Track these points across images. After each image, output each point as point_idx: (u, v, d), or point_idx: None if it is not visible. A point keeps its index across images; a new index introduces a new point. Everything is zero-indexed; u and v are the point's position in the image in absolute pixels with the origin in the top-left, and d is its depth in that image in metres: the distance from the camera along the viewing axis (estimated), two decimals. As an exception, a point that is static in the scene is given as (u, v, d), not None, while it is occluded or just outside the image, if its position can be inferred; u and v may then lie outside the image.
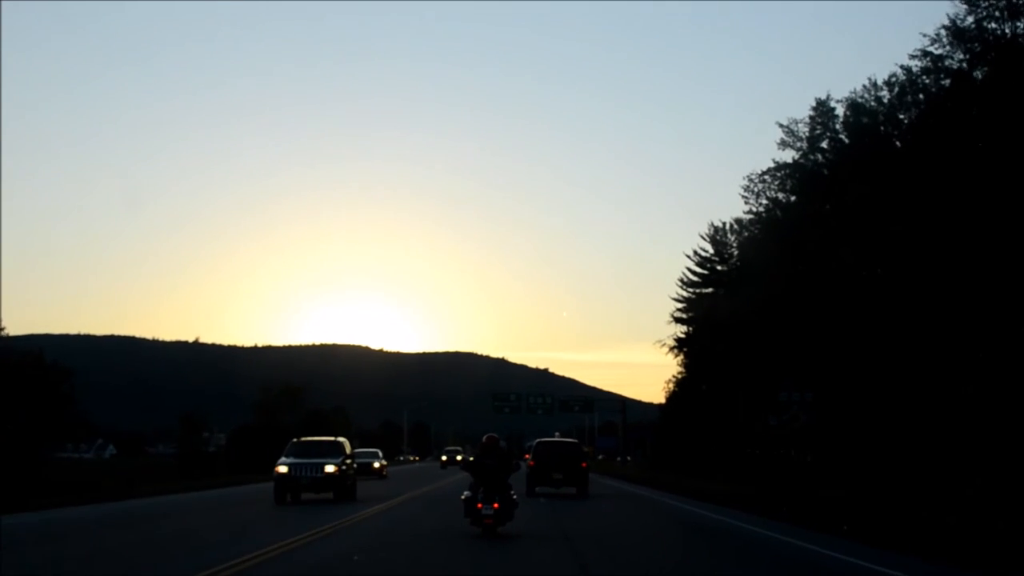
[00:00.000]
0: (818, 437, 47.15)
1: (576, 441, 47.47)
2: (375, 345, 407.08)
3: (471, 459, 21.72)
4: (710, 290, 76.53)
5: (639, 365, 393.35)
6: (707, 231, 76.18)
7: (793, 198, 57.10)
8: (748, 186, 54.12)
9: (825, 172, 53.46)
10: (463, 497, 20.93)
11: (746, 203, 54.79)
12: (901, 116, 48.29)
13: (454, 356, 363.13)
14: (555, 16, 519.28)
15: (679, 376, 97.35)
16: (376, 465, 65.69)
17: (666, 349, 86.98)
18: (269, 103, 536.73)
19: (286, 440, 39.99)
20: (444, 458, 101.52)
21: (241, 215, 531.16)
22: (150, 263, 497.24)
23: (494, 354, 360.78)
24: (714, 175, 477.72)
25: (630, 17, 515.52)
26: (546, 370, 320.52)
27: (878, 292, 43.73)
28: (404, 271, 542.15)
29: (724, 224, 75.89)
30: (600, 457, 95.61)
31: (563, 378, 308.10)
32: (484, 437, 21.63)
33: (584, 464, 39.96)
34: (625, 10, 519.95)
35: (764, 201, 54.56)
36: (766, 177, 53.63)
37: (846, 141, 50.55)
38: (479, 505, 20.20)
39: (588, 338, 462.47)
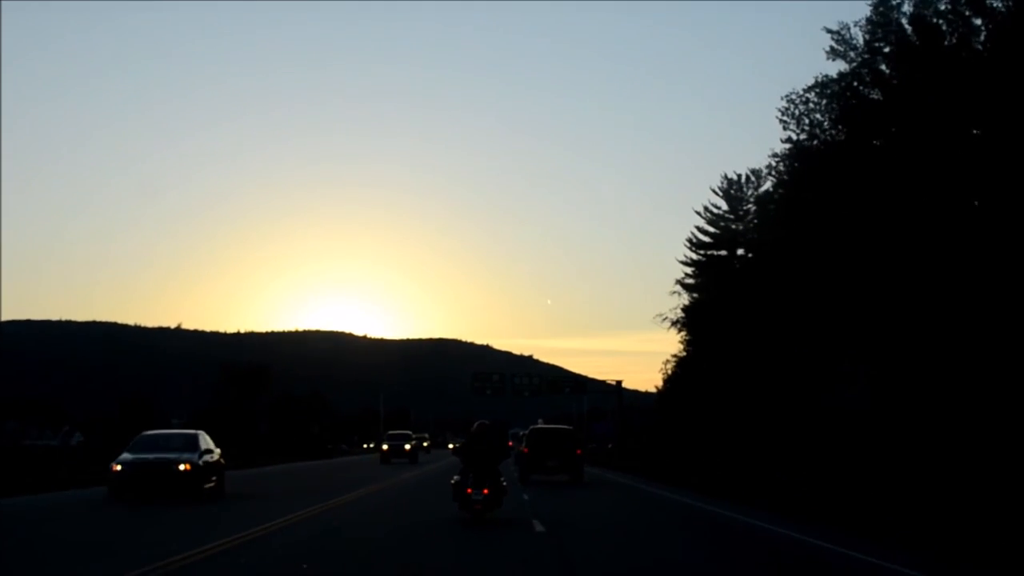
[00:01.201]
0: (883, 423, 35.19)
1: (571, 428, 46.12)
2: (358, 332, 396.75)
3: (460, 445, 21.36)
4: (723, 252, 64.52)
5: (629, 353, 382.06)
6: (719, 184, 64.13)
7: (836, 130, 44.97)
8: (788, 108, 42.02)
9: (884, 87, 41.49)
10: (452, 482, 20.43)
11: (784, 128, 42.68)
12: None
13: (438, 343, 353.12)
14: None
15: (681, 355, 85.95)
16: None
17: (668, 324, 75.81)
18: (250, 94, 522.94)
19: (248, 426, 31.44)
20: (385, 447, 69.51)
21: (225, 202, 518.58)
22: (131, 250, 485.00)
23: (479, 341, 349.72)
24: (706, 163, 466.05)
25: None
26: (531, 356, 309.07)
27: (960, 238, 32.33)
28: (389, 258, 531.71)
29: (739, 176, 64.02)
30: (592, 445, 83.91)
31: (549, 365, 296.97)
32: (475, 424, 21.06)
33: (579, 451, 39.72)
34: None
35: (806, 127, 42.38)
36: (811, 96, 41.53)
37: (913, 42, 38.53)
38: (468, 490, 19.70)
39: (575, 326, 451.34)
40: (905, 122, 37.25)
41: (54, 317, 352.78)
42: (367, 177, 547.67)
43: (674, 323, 77.19)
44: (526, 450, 39.80)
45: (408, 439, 68.94)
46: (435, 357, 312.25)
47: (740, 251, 63.87)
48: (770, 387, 49.19)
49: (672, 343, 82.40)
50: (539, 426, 43.41)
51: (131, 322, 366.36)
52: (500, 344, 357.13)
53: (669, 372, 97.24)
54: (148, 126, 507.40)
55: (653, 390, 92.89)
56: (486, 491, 19.82)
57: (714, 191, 64.71)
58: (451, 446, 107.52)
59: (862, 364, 34.41)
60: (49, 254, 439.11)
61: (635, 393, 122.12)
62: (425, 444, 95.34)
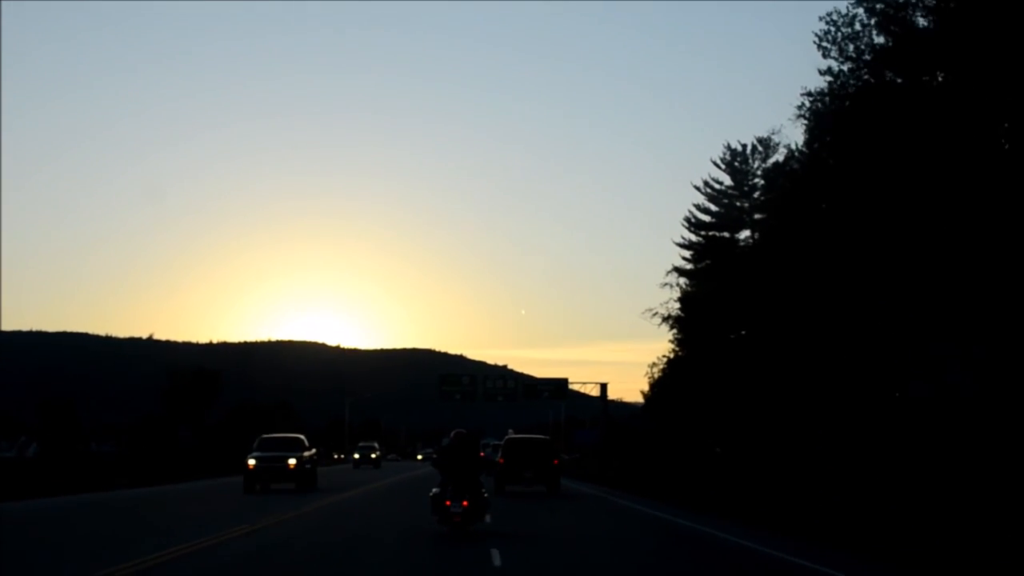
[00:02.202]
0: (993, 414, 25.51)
1: (548, 438, 44.65)
2: (331, 342, 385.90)
3: (437, 456, 20.22)
4: (726, 234, 54.71)
5: (610, 363, 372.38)
6: (722, 155, 54.45)
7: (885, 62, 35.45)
8: (828, 32, 32.34)
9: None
10: (431, 494, 19.63)
11: (825, 56, 32.86)
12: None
13: (411, 353, 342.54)
14: None
15: (672, 355, 75.99)
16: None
17: (658, 320, 66.32)
18: (225, 107, 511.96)
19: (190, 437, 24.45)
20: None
21: (199, 212, 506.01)
22: (105, 260, 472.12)
23: (452, 351, 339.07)
24: (690, 158, 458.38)
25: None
26: (505, 366, 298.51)
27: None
28: (363, 269, 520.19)
29: (745, 147, 54.38)
30: (574, 456, 73.04)
31: (525, 375, 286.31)
32: (452, 433, 20.03)
33: (556, 461, 38.66)
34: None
35: (850, 54, 32.79)
36: (859, 13, 31.93)
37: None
38: (447, 503, 18.92)
39: (551, 336, 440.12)
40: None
41: (24, 328, 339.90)
42: (341, 188, 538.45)
43: (666, 319, 67.63)
44: (501, 460, 38.38)
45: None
46: (408, 367, 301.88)
47: (746, 232, 54.15)
48: (796, 382, 39.56)
49: (658, 350, 73.20)
50: (514, 436, 41.97)
51: (102, 332, 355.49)
52: (474, 354, 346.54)
53: (656, 376, 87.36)
54: (122, 139, 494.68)
55: (636, 400, 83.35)
56: (465, 503, 18.87)
57: (716, 164, 55.30)
58: (419, 457, 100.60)
59: (967, 344, 24.57)
60: (21, 265, 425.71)
61: (616, 404, 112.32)
62: (373, 456, 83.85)
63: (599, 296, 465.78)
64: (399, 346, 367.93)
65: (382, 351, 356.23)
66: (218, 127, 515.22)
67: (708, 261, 55.68)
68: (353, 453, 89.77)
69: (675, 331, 72.45)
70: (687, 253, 57.19)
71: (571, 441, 79.78)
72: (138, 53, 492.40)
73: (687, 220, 56.44)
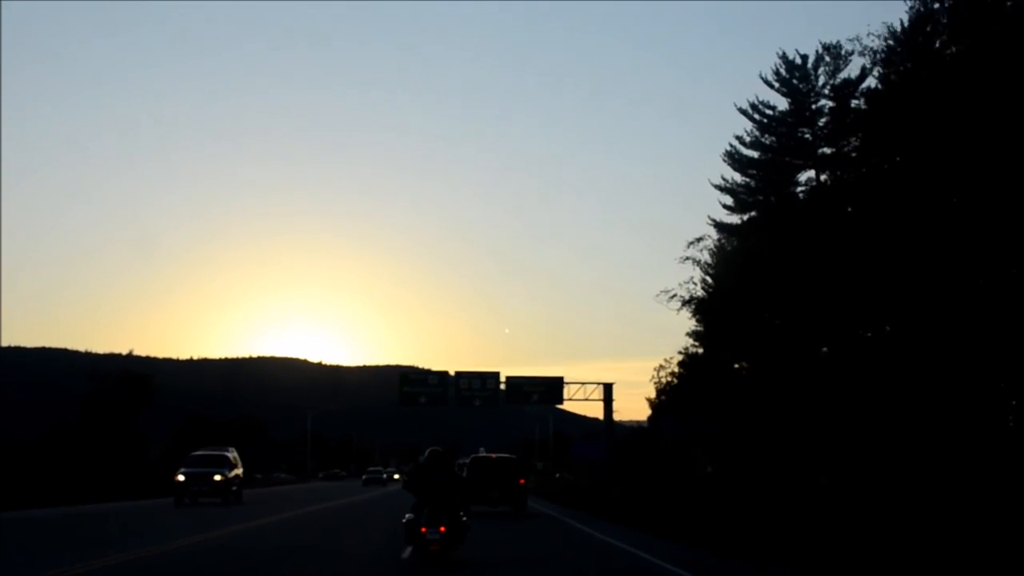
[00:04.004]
0: None
1: (514, 456, 41.11)
2: (313, 358, 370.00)
3: (407, 477, 18.14)
4: (781, 176, 38.72)
5: (604, 382, 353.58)
6: (774, 70, 38.52)
7: None
8: None
9: None
10: (404, 520, 17.21)
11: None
12: None
13: (395, 369, 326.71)
14: None
15: (690, 349, 60.62)
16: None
17: (677, 303, 51.38)
18: (208, 122, 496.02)
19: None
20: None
21: (181, 227, 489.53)
22: (83, 274, 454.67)
23: (437, 368, 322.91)
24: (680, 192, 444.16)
25: None
26: (497, 372, 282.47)
27: None
28: (349, 287, 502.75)
29: (806, 59, 38.61)
30: (563, 475, 55.86)
31: (510, 376, 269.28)
32: (427, 451, 17.91)
33: (522, 481, 36.61)
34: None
35: None
36: None
37: None
38: (423, 529, 16.53)
39: (540, 355, 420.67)
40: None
41: (3, 344, 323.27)
42: (330, 206, 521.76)
43: (686, 301, 51.93)
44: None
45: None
46: (389, 384, 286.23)
47: (808, 173, 38.37)
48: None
49: (656, 366, 57.70)
50: (481, 455, 40.20)
51: (82, 348, 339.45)
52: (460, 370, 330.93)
53: (664, 381, 70.43)
54: (105, 153, 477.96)
55: (634, 419, 67.68)
56: (443, 528, 16.60)
57: (766, 82, 39.49)
58: (363, 477, 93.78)
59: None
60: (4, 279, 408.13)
61: (620, 426, 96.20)
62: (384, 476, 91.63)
63: (594, 315, 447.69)
64: (383, 363, 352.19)
65: (364, 367, 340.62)
66: (204, 142, 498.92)
67: (754, 212, 39.71)
68: (362, 476, 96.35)
69: (696, 318, 56.72)
70: (728, 199, 41.21)
71: (565, 457, 62.47)
72: (124, 66, 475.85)
73: (730, 155, 40.54)
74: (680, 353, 60.48)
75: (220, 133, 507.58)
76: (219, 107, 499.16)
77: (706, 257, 55.82)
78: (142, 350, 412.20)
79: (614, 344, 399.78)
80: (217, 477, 40.09)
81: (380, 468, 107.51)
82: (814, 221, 38.68)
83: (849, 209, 38.55)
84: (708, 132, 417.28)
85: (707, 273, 55.79)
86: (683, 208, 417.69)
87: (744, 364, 54.79)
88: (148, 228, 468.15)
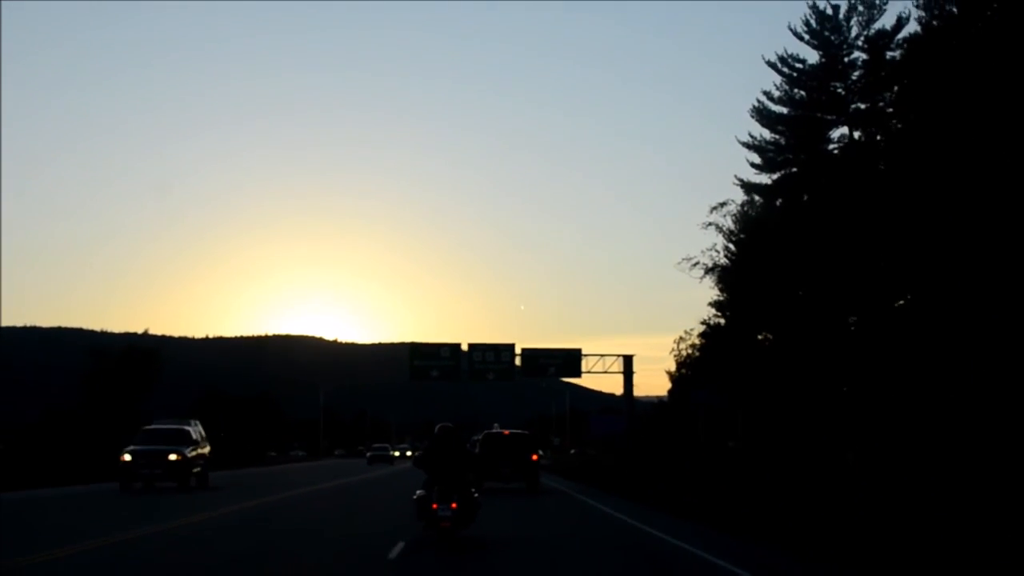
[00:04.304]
0: None
1: (527, 432, 40.24)
2: (329, 336, 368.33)
3: (419, 454, 17.66)
4: (811, 133, 36.17)
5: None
6: (803, 21, 35.99)
7: None
8: None
9: None
10: (415, 497, 16.77)
11: None
12: None
13: (409, 347, 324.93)
14: None
15: (712, 320, 58.48)
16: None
17: (700, 271, 49.12)
18: (227, 105, 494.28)
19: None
20: (369, 455, 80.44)
21: (198, 210, 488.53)
22: (100, 254, 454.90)
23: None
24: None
25: None
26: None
27: None
28: (364, 264, 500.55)
29: (838, 9, 36.05)
30: (579, 450, 53.51)
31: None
32: (437, 427, 17.46)
33: (535, 457, 36.39)
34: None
35: None
36: None
37: None
38: (434, 506, 16.17)
39: (556, 332, 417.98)
40: None
41: (19, 324, 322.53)
42: (344, 185, 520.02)
43: (709, 269, 49.61)
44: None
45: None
46: (405, 361, 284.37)
47: (841, 130, 35.84)
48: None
49: (676, 338, 55.56)
50: (493, 431, 38.89)
51: (98, 328, 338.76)
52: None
53: (685, 354, 68.39)
54: (126, 135, 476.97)
55: (651, 394, 65.35)
56: (455, 505, 16.21)
57: (796, 34, 36.90)
58: (367, 455, 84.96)
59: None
60: (17, 260, 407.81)
61: (619, 401, 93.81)
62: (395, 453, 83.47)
63: (613, 289, 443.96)
64: (399, 340, 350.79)
65: (380, 345, 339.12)
66: (222, 125, 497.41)
67: (784, 172, 37.20)
68: (366, 452, 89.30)
69: (719, 287, 54.24)
70: (756, 158, 38.64)
71: (584, 433, 60.02)
72: (142, 52, 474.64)
73: (758, 111, 37.97)
74: (703, 324, 58.08)
75: (238, 114, 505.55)
76: (231, 93, 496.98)
77: (729, 223, 53.23)
78: (157, 329, 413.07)
79: (631, 319, 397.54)
80: (172, 456, 33.01)
81: (387, 445, 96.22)
82: (846, 181, 36.15)
83: (883, 168, 36.03)
84: (734, 90, 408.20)
85: (730, 240, 53.27)
86: (705, 174, 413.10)
87: (768, 335, 52.39)
88: (164, 209, 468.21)
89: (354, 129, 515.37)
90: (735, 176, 39.68)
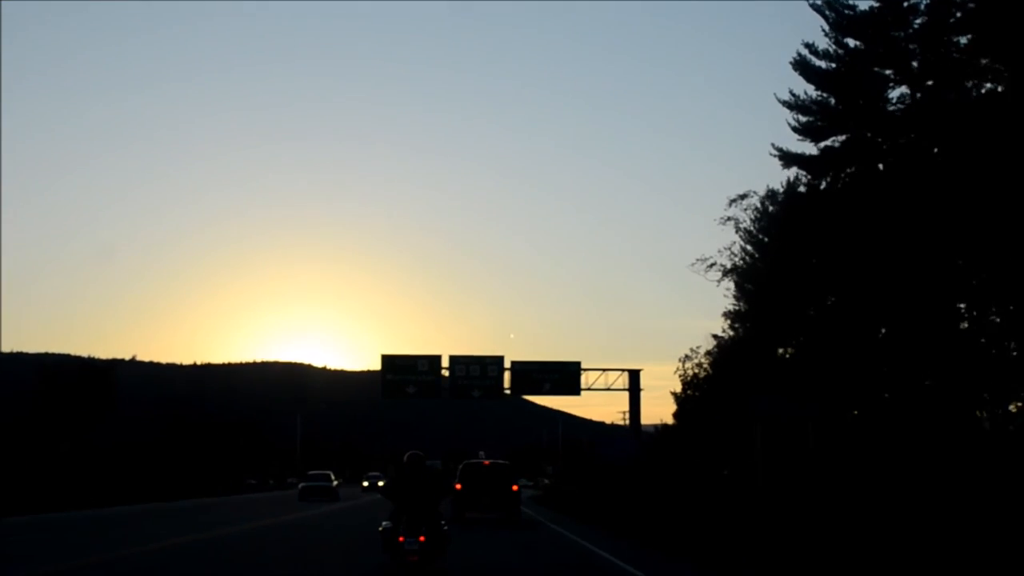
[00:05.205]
0: None
1: (507, 463, 39.99)
2: (318, 363, 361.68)
3: (386, 483, 17.29)
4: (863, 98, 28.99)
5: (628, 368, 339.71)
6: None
7: None
8: None
9: None
10: (380, 529, 16.42)
11: None
12: None
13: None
14: None
15: (728, 333, 52.36)
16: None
17: (717, 272, 43.08)
18: (217, 132, 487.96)
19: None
20: (366, 483, 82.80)
21: (185, 234, 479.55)
22: (86, 280, 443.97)
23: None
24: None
25: None
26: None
27: None
28: (355, 293, 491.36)
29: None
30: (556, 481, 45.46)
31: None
32: (405, 455, 16.69)
33: (515, 488, 36.10)
34: None
35: None
36: None
37: None
38: (400, 539, 15.55)
39: (561, 353, 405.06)
40: None
41: (5, 349, 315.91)
42: (338, 214, 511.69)
43: (728, 271, 43.13)
44: (459, 487, 35.55)
45: None
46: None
47: (899, 90, 28.92)
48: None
49: (682, 356, 48.18)
50: (473, 461, 38.81)
51: (84, 354, 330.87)
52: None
53: (691, 373, 60.51)
54: (119, 161, 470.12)
55: (651, 423, 58.02)
56: (423, 538, 15.57)
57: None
58: (364, 484, 78.83)
59: None
60: (6, 285, 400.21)
61: (619, 429, 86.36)
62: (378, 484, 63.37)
63: (611, 316, 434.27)
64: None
65: (369, 372, 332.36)
66: (209, 155, 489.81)
67: (830, 142, 30.18)
68: (363, 481, 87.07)
69: (734, 295, 47.72)
70: (800, 118, 31.49)
71: (598, 458, 52.30)
72: (130, 75, 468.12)
73: (800, 63, 31.02)
74: (715, 337, 51.35)
75: (231, 145, 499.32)
76: (225, 121, 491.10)
77: (748, 222, 46.31)
78: (145, 356, 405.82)
79: (629, 349, 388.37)
80: None
81: (328, 472, 63.28)
82: (905, 149, 29.00)
83: (953, 134, 28.95)
84: (761, 67, 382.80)
85: (748, 242, 46.39)
86: (717, 173, 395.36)
87: (796, 347, 45.27)
88: (156, 237, 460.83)
89: (337, 159, 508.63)
90: (772, 146, 32.67)
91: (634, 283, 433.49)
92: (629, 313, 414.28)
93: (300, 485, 57.76)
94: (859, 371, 32.01)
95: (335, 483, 57.74)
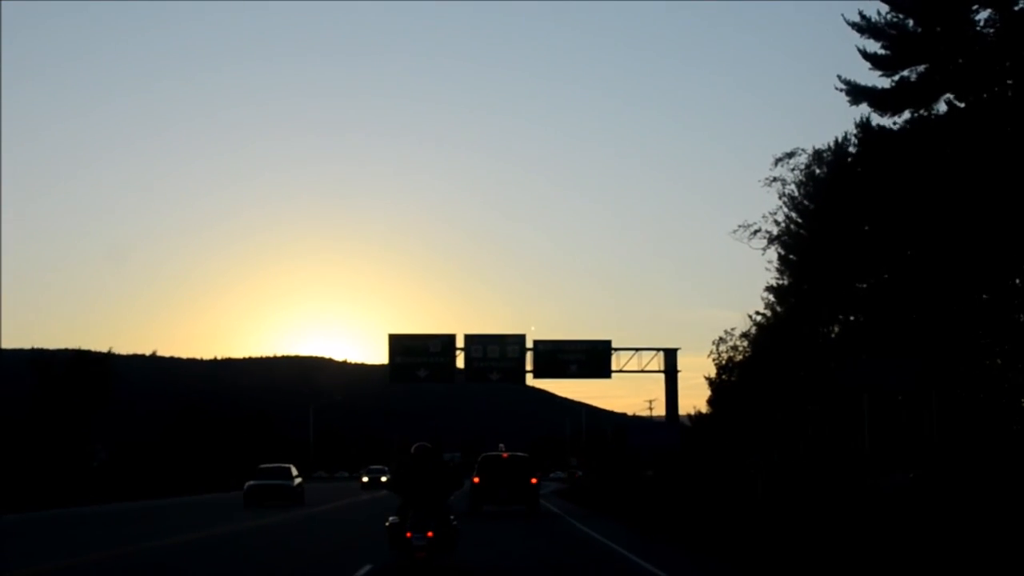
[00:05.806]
0: None
1: (526, 455, 38.86)
2: (338, 357, 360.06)
3: (392, 476, 16.88)
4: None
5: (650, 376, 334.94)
6: None
7: None
8: None
9: None
10: (387, 523, 15.77)
11: None
12: None
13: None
14: None
15: (770, 311, 48.08)
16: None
17: (762, 240, 38.89)
18: (236, 124, 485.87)
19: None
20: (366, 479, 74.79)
21: (208, 230, 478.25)
22: (105, 274, 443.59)
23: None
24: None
25: None
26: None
27: None
28: (375, 287, 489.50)
29: None
30: (649, 473, 40.42)
31: (540, 391, 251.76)
32: (413, 447, 16.26)
33: (534, 480, 35.91)
34: None
35: None
36: None
37: None
38: (408, 534, 15.04)
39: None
40: None
41: (25, 346, 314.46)
42: (358, 209, 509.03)
43: (775, 238, 38.95)
44: (477, 480, 35.52)
45: None
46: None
47: (985, 12, 24.19)
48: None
49: (716, 339, 43.18)
50: (491, 453, 37.42)
51: (104, 349, 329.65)
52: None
53: (727, 357, 56.39)
54: (136, 155, 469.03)
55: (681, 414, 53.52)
56: (431, 533, 15.02)
57: None
58: (364, 479, 76.30)
59: None
60: (23, 282, 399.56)
61: (648, 421, 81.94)
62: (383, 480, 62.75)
63: (637, 300, 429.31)
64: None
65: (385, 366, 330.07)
66: (228, 147, 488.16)
67: (907, 72, 25.64)
68: (362, 476, 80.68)
69: (778, 269, 43.55)
70: (876, 45, 26.91)
71: (629, 449, 47.69)
72: (148, 69, 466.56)
73: (861, 24, 26.58)
74: (757, 314, 47.05)
75: (248, 137, 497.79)
76: (242, 113, 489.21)
77: (793, 187, 42.17)
78: (166, 351, 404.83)
79: (657, 337, 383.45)
80: None
81: (288, 466, 46.25)
82: (997, 81, 24.41)
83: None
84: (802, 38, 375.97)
85: (792, 208, 42.06)
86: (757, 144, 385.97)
87: (847, 323, 41.16)
88: (175, 233, 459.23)
89: (354, 153, 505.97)
90: (838, 78, 27.93)
91: (661, 269, 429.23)
92: (656, 301, 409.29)
93: (247, 484, 41.65)
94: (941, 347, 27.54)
95: (297, 480, 42.75)
